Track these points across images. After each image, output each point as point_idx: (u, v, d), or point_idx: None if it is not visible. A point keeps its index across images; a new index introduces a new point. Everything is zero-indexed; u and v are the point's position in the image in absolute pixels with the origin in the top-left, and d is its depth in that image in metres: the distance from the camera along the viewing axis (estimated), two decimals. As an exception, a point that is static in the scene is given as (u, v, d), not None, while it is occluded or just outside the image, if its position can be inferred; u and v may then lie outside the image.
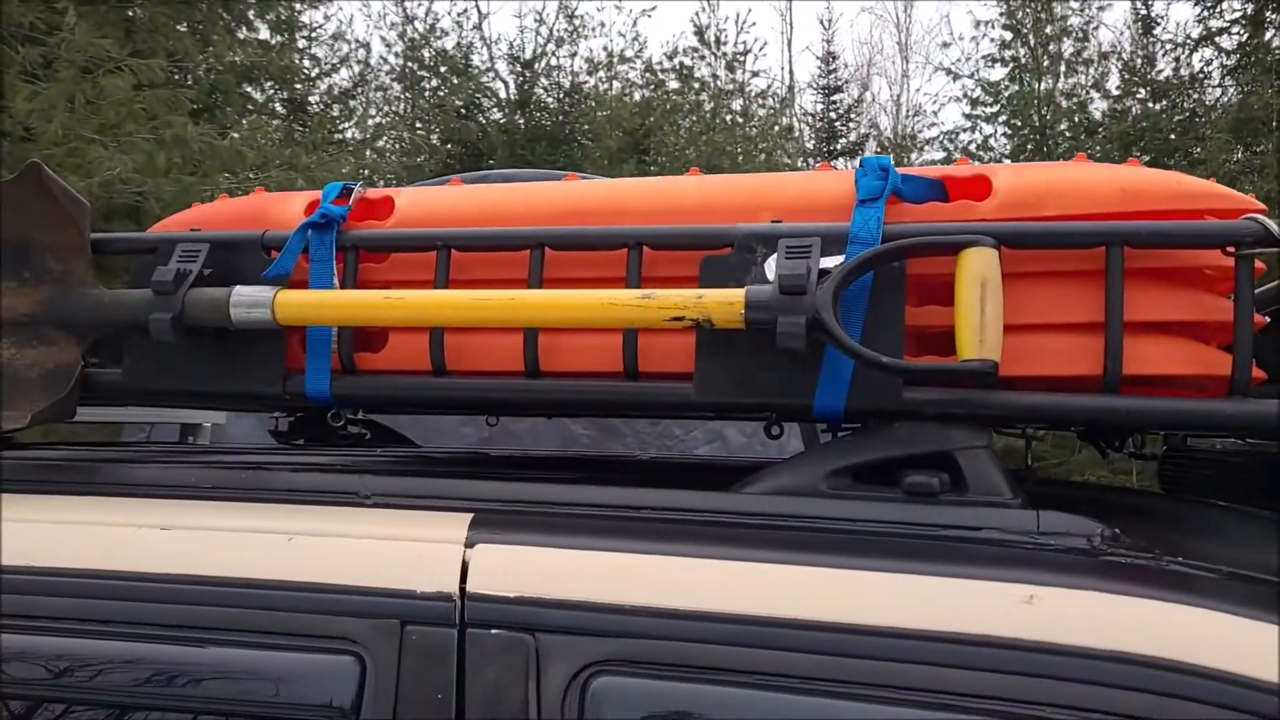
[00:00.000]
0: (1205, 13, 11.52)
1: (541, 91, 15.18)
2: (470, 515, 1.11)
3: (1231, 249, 1.06)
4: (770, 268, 1.15)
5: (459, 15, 15.74)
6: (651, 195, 1.30)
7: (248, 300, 1.24)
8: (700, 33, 16.13)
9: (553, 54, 15.55)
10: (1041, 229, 1.10)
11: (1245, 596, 0.95)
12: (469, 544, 1.06)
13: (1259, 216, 1.05)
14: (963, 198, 1.18)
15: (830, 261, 1.13)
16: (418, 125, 15.62)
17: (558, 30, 15.57)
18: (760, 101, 17.03)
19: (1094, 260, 1.10)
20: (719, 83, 16.21)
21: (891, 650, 0.92)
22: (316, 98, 13.46)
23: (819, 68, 16.65)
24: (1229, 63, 11.61)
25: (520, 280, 1.25)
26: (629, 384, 1.21)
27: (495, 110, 15.26)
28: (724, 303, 1.11)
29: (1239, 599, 0.93)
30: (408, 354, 1.31)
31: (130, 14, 7.93)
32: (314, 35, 13.26)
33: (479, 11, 15.71)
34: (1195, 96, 11.99)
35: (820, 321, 1.08)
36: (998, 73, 14.88)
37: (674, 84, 16.08)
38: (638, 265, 1.21)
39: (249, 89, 10.87)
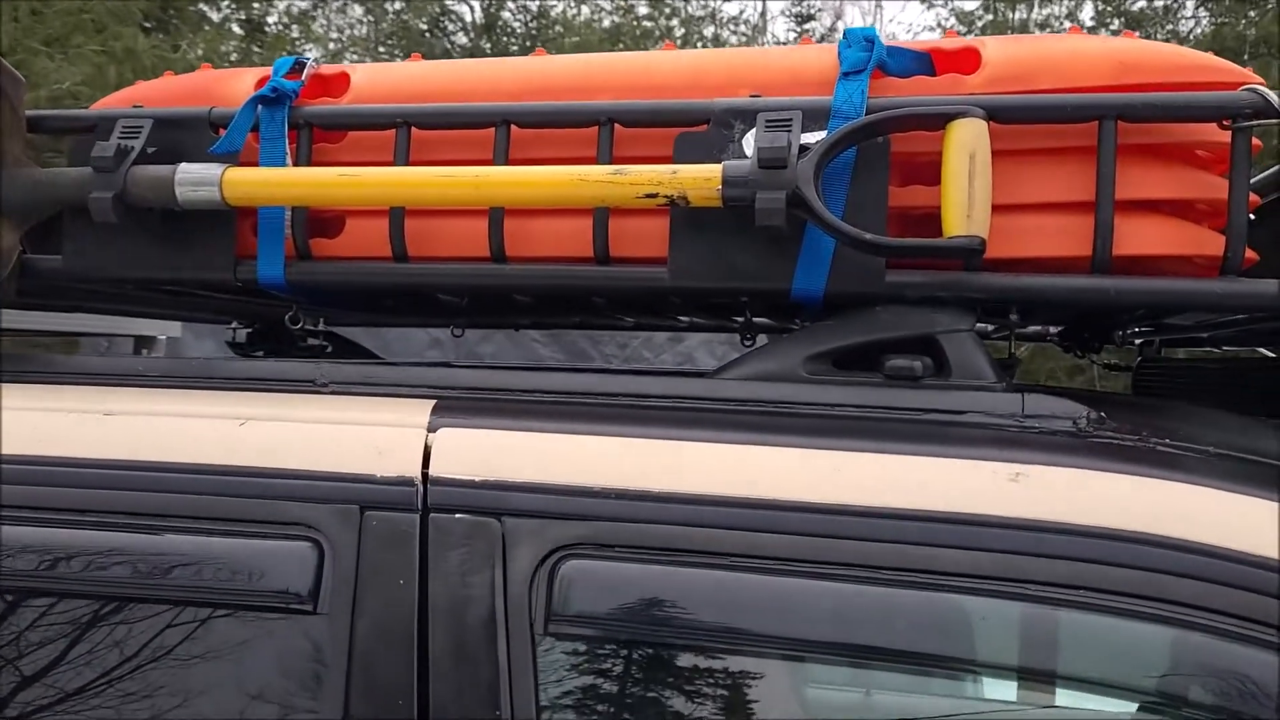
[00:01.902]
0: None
1: (508, 15, 14.84)
2: (433, 402, 1.06)
3: (1228, 121, 1.01)
4: (749, 144, 1.09)
5: (423, -66, 15.19)
6: (624, 71, 1.23)
7: (194, 178, 1.16)
8: (671, -43, 15.81)
9: (520, -25, 15.20)
10: (1033, 101, 1.05)
11: (1232, 473, 0.92)
12: (431, 428, 1.01)
13: (1258, 87, 1.01)
14: (950, 71, 1.13)
15: (812, 137, 1.07)
16: (380, 49, 15.25)
17: (526, -49, 15.20)
18: (732, 28, 16.77)
19: (1085, 136, 1.05)
20: (690, 8, 15.92)
21: (872, 530, 0.89)
22: (275, 18, 13.08)
23: (791, 19, 16.39)
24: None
25: (485, 162, 1.18)
26: (599, 268, 1.16)
27: (460, 34, 14.93)
28: (700, 178, 1.05)
29: (1226, 476, 0.91)
30: (367, 240, 1.24)
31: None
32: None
33: (444, -70, 15.22)
34: (1169, 27, 11.94)
35: (801, 197, 1.03)
36: (972, 2, 14.72)
37: (644, 9, 15.78)
38: (609, 144, 1.15)
39: (204, 7, 10.54)
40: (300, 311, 1.58)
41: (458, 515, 0.96)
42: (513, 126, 1.18)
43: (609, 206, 1.13)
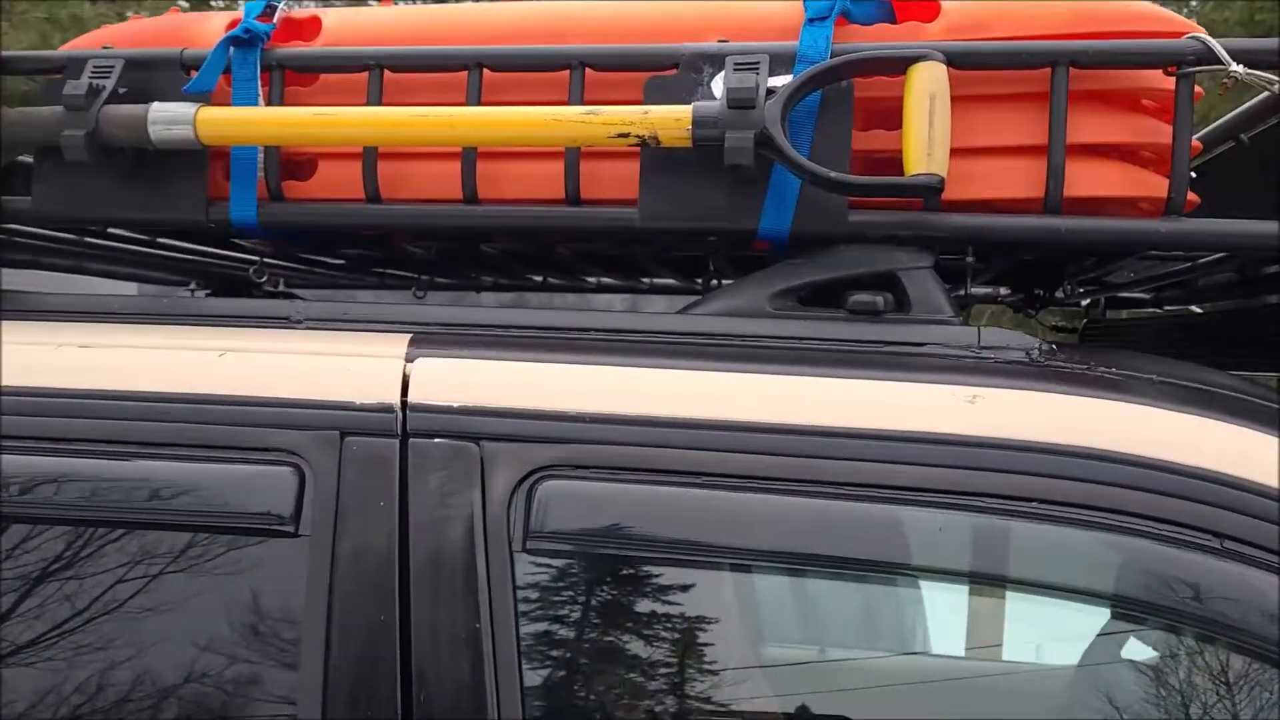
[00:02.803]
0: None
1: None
2: (409, 335, 1.08)
3: (1174, 68, 1.06)
4: (717, 87, 1.12)
5: (373, -92, 15.00)
6: (594, 17, 1.26)
7: (167, 116, 1.17)
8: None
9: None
10: (990, 48, 1.09)
11: (1174, 396, 0.98)
12: (409, 359, 1.04)
13: (1201, 35, 1.06)
14: (911, 19, 1.17)
15: (778, 81, 1.11)
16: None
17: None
18: None
19: (1037, 83, 1.10)
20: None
21: (836, 448, 0.93)
22: (222, -10, 12.84)
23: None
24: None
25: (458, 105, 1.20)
26: (571, 209, 1.18)
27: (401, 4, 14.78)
28: (671, 118, 1.08)
29: (1169, 398, 0.96)
30: (339, 183, 1.25)
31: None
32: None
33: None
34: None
35: (768, 137, 1.06)
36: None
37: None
38: (580, 87, 1.17)
39: (150, -23, 10.30)
40: (264, 265, 1.59)
41: (436, 440, 0.98)
42: (485, 70, 1.20)
43: (581, 147, 1.16)
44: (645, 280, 2.15)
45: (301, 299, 1.60)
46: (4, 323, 1.16)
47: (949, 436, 0.92)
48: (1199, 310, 1.88)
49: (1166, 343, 1.96)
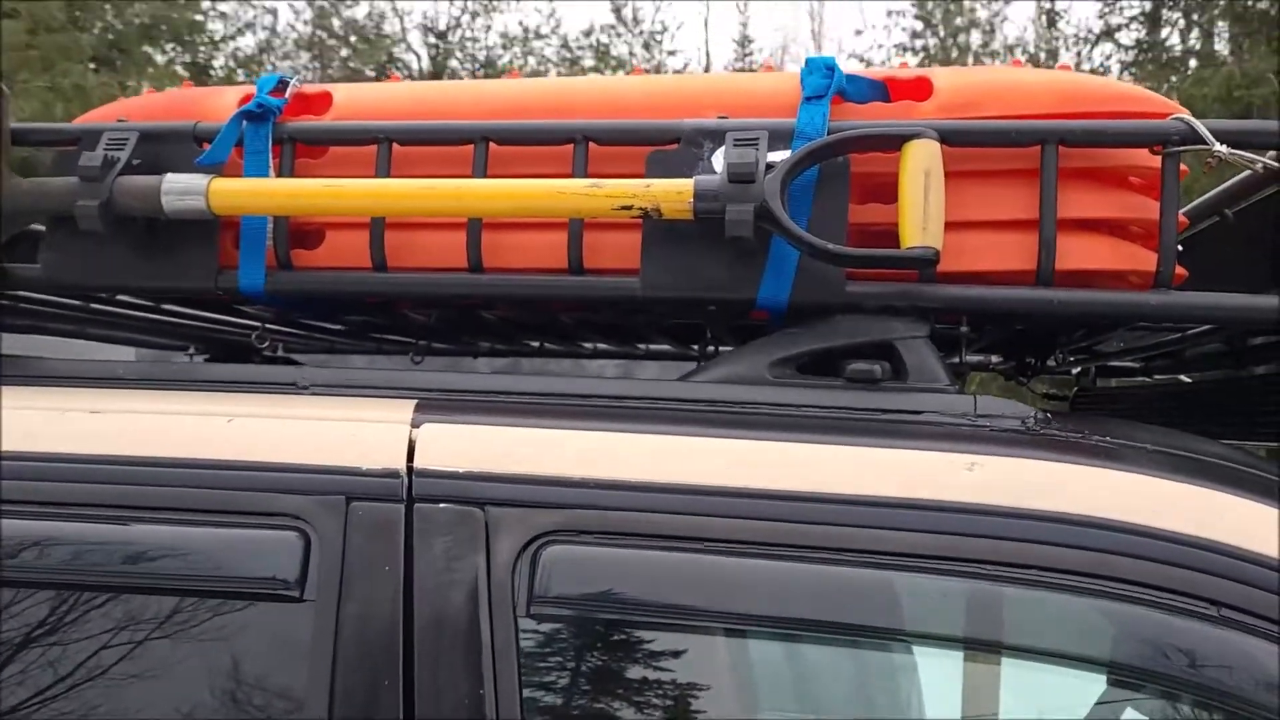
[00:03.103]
0: (1106, 9, 11.91)
1: (455, 64, 14.99)
2: (414, 401, 1.10)
3: (1159, 147, 1.10)
4: (718, 161, 1.15)
5: (372, -17, 15.35)
6: (596, 94, 1.30)
7: (180, 187, 1.20)
8: (618, 10, 16.11)
9: (468, 26, 15.36)
10: (982, 126, 1.13)
11: (1170, 465, 0.99)
12: (415, 424, 1.05)
13: (1185, 116, 1.10)
14: (904, 98, 1.21)
15: (776, 156, 1.14)
16: (328, 94, 15.25)
17: (472, 3, 15.37)
18: (676, 82, 17.06)
19: (1027, 159, 1.14)
20: (635, 61, 16.21)
21: (838, 515, 0.95)
22: (221, 61, 13.07)
23: (735, 50, 16.75)
24: (1127, 58, 12.03)
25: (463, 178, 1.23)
26: (574, 278, 1.21)
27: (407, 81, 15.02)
28: (673, 192, 1.11)
29: (1165, 467, 0.98)
30: (346, 252, 1.28)
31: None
32: (219, -3, 12.85)
33: (392, -20, 15.36)
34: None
35: (768, 210, 1.09)
36: (911, 61, 15.17)
37: (590, 61, 16.03)
38: (583, 161, 1.20)
39: (149, 50, 10.49)
40: (266, 331, 1.61)
41: (442, 505, 1.00)
42: (491, 144, 1.23)
43: (584, 218, 1.18)
44: (641, 346, 2.18)
45: (305, 365, 1.62)
46: (7, 388, 1.17)
47: (948, 504, 0.93)
48: (1188, 379, 1.90)
49: (1157, 411, 1.99)
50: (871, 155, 1.16)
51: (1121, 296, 1.12)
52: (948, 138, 1.11)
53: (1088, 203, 1.15)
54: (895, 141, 1.11)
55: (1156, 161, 1.13)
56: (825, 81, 1.18)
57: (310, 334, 1.96)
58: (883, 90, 1.21)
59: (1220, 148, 1.07)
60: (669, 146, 1.19)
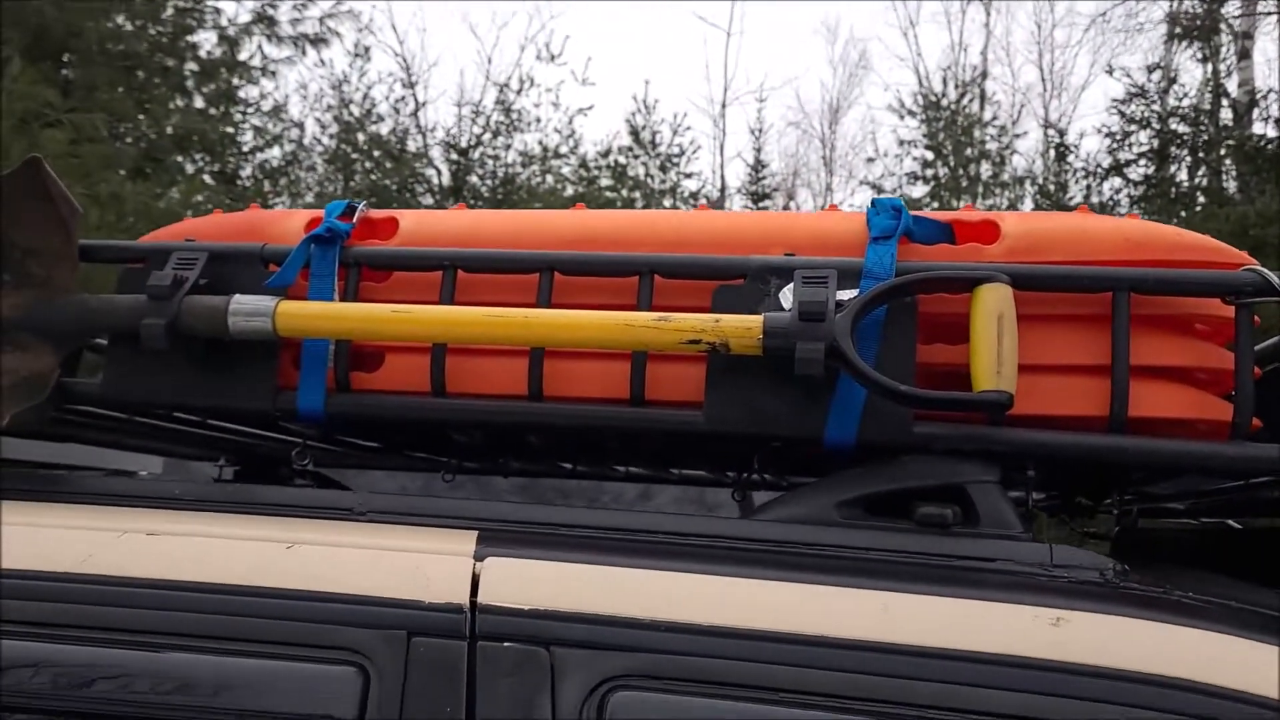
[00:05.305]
0: (1115, 145, 12.16)
1: (476, 180, 15.29)
2: (476, 532, 1.08)
3: (1233, 298, 1.10)
4: (785, 298, 1.16)
5: (396, 102, 15.74)
6: (661, 227, 1.31)
7: (248, 309, 1.20)
8: (635, 133, 16.49)
9: (488, 144, 15.72)
10: (1053, 272, 1.13)
11: (1255, 623, 0.96)
12: (478, 556, 1.03)
13: (1258, 268, 1.10)
14: (970, 240, 1.21)
15: (845, 294, 1.14)
16: (350, 206, 15.51)
17: (494, 122, 15.76)
18: (692, 202, 17.40)
19: (1093, 305, 1.14)
20: (652, 182, 16.54)
21: (922, 669, 0.91)
22: (248, 171, 13.36)
23: (749, 174, 17.09)
24: (1136, 193, 12.23)
25: (528, 305, 1.23)
26: (637, 410, 1.20)
27: (428, 196, 15.30)
28: (742, 328, 1.11)
29: (1251, 625, 0.95)
30: (405, 375, 1.28)
31: (65, 74, 7.82)
32: (250, 110, 13.20)
33: (416, 100, 15.78)
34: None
35: (838, 349, 1.09)
36: (919, 190, 15.46)
37: (607, 181, 16.34)
38: (649, 292, 1.21)
39: (180, 159, 10.75)
40: (306, 448, 1.60)
41: (506, 644, 0.97)
42: (556, 273, 1.24)
43: (649, 351, 1.18)
44: (674, 471, 2.15)
45: (357, 490, 1.60)
46: (66, 506, 1.16)
47: (1036, 661, 0.90)
48: (1237, 525, 1.87)
49: (1201, 555, 1.95)
50: (936, 296, 1.16)
51: (1198, 447, 1.11)
52: (1019, 281, 1.11)
53: (1157, 349, 1.14)
54: (967, 284, 1.11)
55: (1223, 309, 1.13)
56: (893, 222, 1.19)
57: (345, 450, 1.94)
58: (949, 232, 1.22)
59: (1294, 299, 1.07)
60: (735, 282, 1.19)
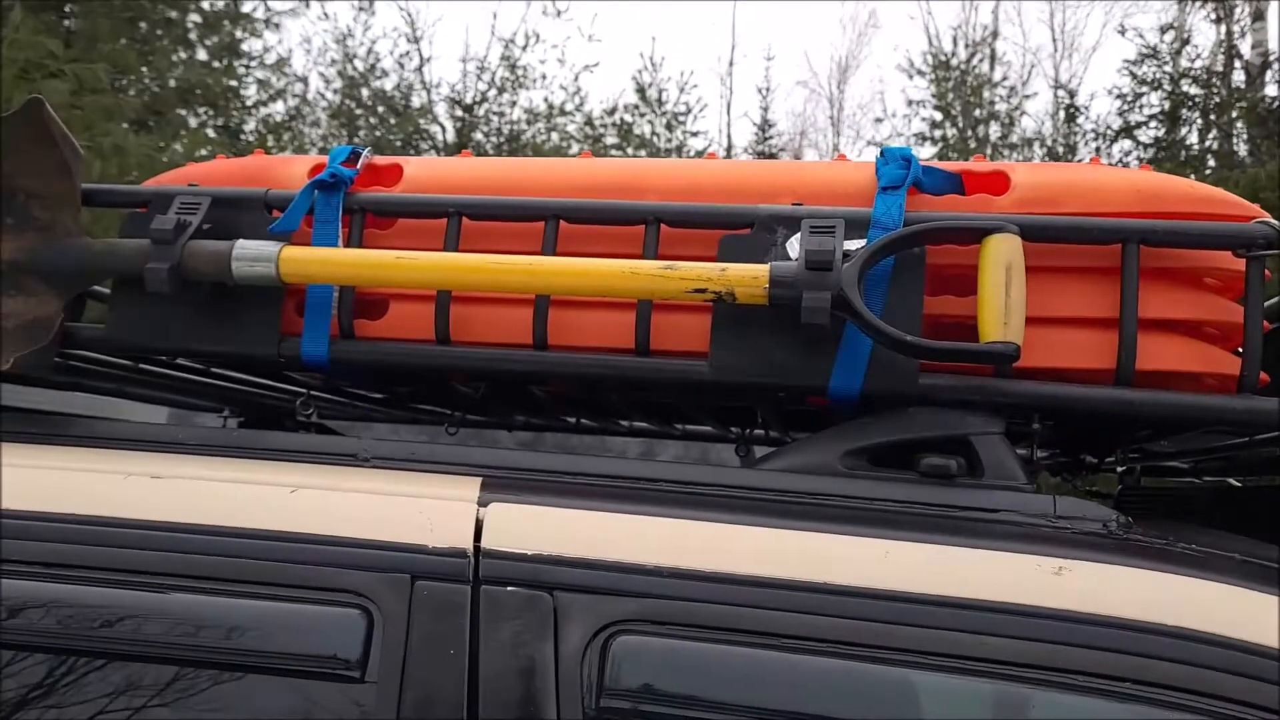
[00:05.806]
0: (1125, 107, 12.05)
1: (480, 137, 15.18)
2: (479, 478, 1.08)
3: (1244, 251, 1.09)
4: (792, 248, 1.15)
5: (401, 57, 15.61)
6: (670, 175, 1.30)
7: (251, 254, 1.20)
8: (642, 91, 16.36)
9: (494, 100, 15.59)
10: (1063, 223, 1.12)
11: (1259, 575, 0.96)
12: (482, 503, 1.03)
13: (1271, 221, 1.09)
14: (980, 191, 1.20)
15: (852, 244, 1.13)
16: (354, 161, 15.43)
17: (499, 78, 15.63)
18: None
19: (1104, 257, 1.13)
20: (658, 140, 16.42)
21: (924, 616, 0.92)
22: (251, 125, 13.29)
23: (755, 133, 16.95)
24: (1146, 155, 12.13)
25: (525, 255, 1.22)
26: (642, 359, 1.19)
27: (432, 153, 15.21)
28: (748, 277, 1.11)
29: (1255, 577, 0.95)
30: (408, 323, 1.27)
31: (67, 25, 7.75)
32: (253, 64, 13.10)
33: (421, 55, 15.64)
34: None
35: (845, 299, 1.08)
36: (927, 151, 15.34)
37: (612, 139, 16.24)
38: (655, 241, 1.20)
39: (183, 112, 10.68)
40: (311, 398, 1.60)
41: (509, 588, 0.97)
42: (561, 221, 1.23)
43: (655, 300, 1.18)
44: (679, 426, 2.15)
45: (362, 437, 1.60)
46: (70, 449, 1.16)
47: (1037, 609, 0.91)
48: (1238, 483, 1.87)
49: (1205, 512, 1.95)
50: (943, 247, 1.15)
51: (1206, 400, 1.10)
52: (1029, 232, 1.10)
53: (1166, 303, 1.14)
54: (976, 234, 1.10)
55: (1234, 263, 1.12)
56: (902, 172, 1.18)
57: (350, 402, 1.94)
58: (958, 183, 1.21)
59: (1307, 252, 1.06)
60: (742, 231, 1.18)
